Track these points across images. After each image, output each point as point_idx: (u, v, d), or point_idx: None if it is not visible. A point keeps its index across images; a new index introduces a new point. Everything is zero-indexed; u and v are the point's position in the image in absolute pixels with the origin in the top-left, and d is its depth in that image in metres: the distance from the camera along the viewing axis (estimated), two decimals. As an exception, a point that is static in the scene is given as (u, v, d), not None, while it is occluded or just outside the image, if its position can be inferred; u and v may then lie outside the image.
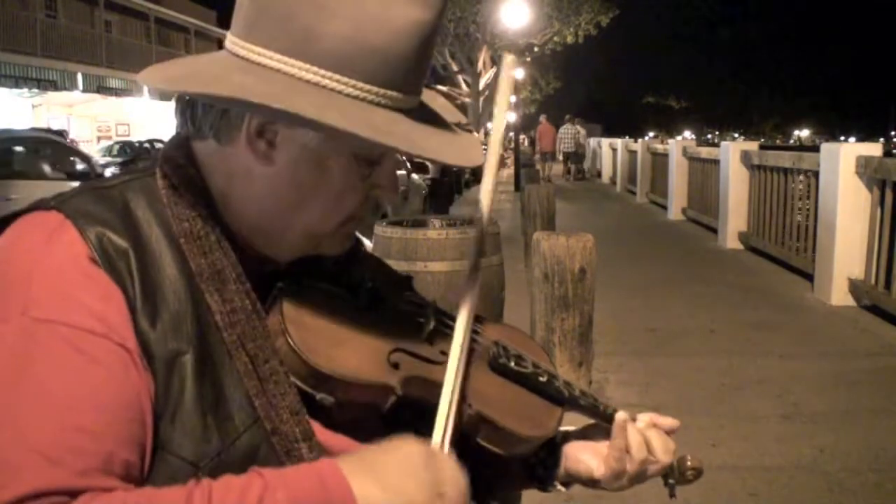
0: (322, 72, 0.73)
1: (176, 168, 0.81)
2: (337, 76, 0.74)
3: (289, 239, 0.83)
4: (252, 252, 0.84)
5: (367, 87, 0.75)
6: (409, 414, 0.83)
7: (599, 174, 22.02)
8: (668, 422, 1.00)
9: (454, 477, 0.74)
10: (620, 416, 0.95)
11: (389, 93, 0.76)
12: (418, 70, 0.79)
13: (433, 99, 0.88)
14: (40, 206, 0.76)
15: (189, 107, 0.81)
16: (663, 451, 0.97)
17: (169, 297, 0.74)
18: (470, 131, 0.89)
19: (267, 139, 0.78)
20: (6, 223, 0.77)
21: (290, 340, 0.78)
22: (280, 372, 0.77)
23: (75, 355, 0.67)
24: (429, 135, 0.80)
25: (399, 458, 0.72)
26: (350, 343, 0.81)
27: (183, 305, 0.74)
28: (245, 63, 0.75)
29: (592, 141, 25.24)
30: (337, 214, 0.82)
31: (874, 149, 6.06)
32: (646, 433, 0.97)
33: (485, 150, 0.89)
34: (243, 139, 0.78)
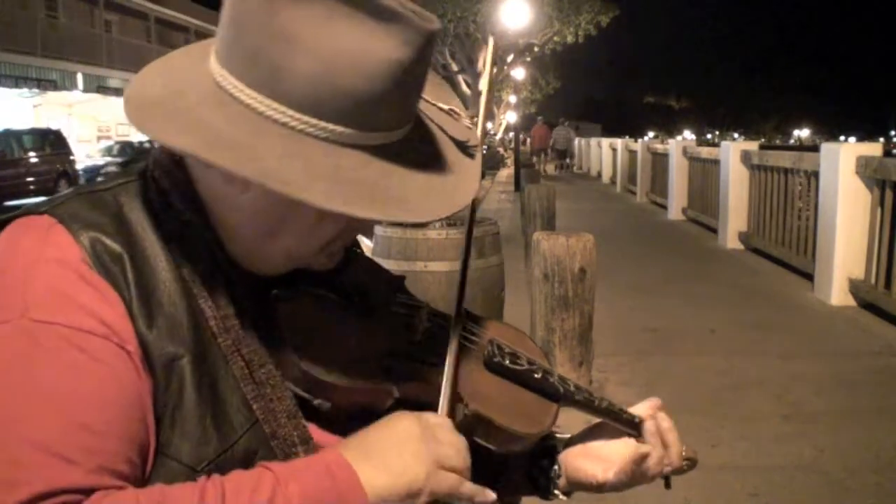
0: (290, 112, 0.70)
1: (166, 172, 0.80)
2: (305, 117, 0.70)
3: (269, 261, 0.82)
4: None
5: (339, 128, 0.71)
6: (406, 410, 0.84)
7: (600, 174, 22.05)
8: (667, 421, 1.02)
9: (451, 442, 0.75)
10: (650, 427, 0.97)
11: (362, 133, 0.72)
12: (399, 107, 0.74)
13: (437, 115, 0.85)
14: (32, 211, 0.75)
15: None
16: (679, 455, 0.98)
17: (164, 301, 0.74)
18: (472, 155, 0.83)
19: None
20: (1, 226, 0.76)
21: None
22: (276, 376, 0.77)
23: (77, 354, 0.67)
24: (408, 177, 0.74)
25: (397, 437, 0.73)
26: (346, 349, 0.82)
27: (178, 310, 0.74)
28: (220, 93, 0.73)
29: (592, 140, 26.69)
30: (316, 241, 0.80)
31: (874, 149, 6.06)
32: (666, 437, 0.97)
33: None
34: None
